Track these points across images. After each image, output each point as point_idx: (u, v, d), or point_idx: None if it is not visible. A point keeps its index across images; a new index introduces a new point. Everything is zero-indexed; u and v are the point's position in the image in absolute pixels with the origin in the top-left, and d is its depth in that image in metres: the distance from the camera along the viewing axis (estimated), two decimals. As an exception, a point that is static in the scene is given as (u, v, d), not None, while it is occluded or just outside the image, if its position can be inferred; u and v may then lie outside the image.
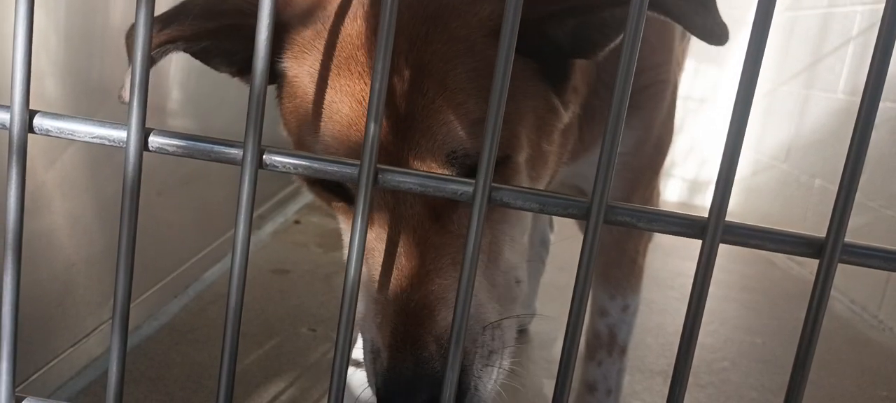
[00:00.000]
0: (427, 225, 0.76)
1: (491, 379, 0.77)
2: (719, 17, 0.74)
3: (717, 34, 0.73)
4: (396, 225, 0.76)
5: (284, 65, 0.85)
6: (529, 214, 0.90)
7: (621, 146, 1.17)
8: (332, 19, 0.81)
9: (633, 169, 1.23)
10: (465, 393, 0.73)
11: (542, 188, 0.90)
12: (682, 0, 0.72)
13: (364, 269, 0.78)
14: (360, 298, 0.78)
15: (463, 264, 0.50)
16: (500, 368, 0.78)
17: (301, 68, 0.82)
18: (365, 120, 0.74)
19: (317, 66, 0.80)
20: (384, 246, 0.76)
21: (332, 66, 0.79)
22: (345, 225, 0.90)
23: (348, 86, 0.77)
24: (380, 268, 0.76)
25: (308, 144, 0.81)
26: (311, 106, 0.80)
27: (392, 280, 0.75)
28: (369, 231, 0.78)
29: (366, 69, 0.76)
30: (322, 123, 0.78)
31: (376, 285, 0.77)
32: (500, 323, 0.80)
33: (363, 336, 0.79)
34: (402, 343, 0.72)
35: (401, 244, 0.75)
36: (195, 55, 0.90)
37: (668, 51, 1.18)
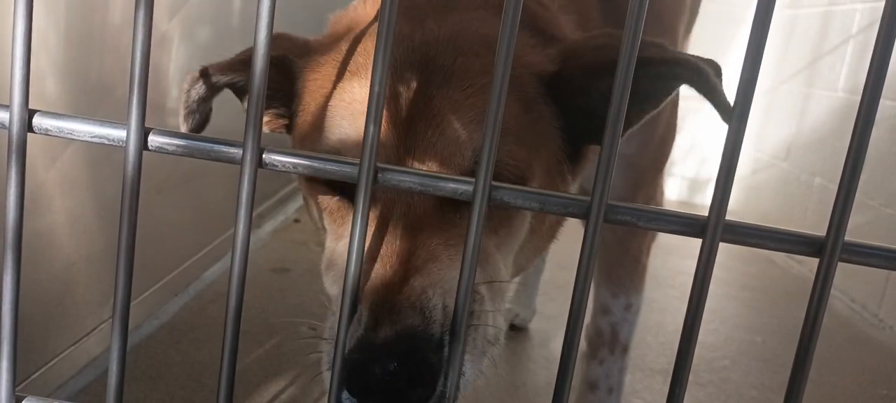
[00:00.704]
0: (428, 218, 0.76)
1: (470, 374, 0.76)
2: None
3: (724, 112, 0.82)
4: (396, 216, 0.75)
5: (306, 79, 0.89)
6: (523, 234, 0.90)
7: (625, 147, 1.18)
8: (351, 39, 0.86)
9: (637, 168, 1.23)
10: (435, 381, 0.70)
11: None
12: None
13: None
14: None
15: (463, 259, 0.50)
16: (479, 363, 0.76)
17: (322, 77, 0.86)
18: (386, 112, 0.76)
19: (333, 75, 0.84)
20: (382, 227, 0.76)
21: (350, 74, 0.82)
22: (330, 221, 0.89)
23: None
24: (372, 248, 0.75)
25: (324, 143, 0.82)
26: (326, 113, 0.82)
27: (384, 255, 0.73)
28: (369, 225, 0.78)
29: (394, 66, 0.79)
30: (339, 126, 0.80)
31: (368, 262, 0.75)
32: (492, 316, 0.79)
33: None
34: (383, 305, 0.68)
35: (400, 229, 0.75)
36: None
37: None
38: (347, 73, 0.82)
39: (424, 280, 0.70)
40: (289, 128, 0.98)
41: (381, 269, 0.72)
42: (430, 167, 0.76)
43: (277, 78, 0.92)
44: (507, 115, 0.78)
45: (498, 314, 0.80)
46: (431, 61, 0.79)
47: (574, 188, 0.95)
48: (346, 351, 0.65)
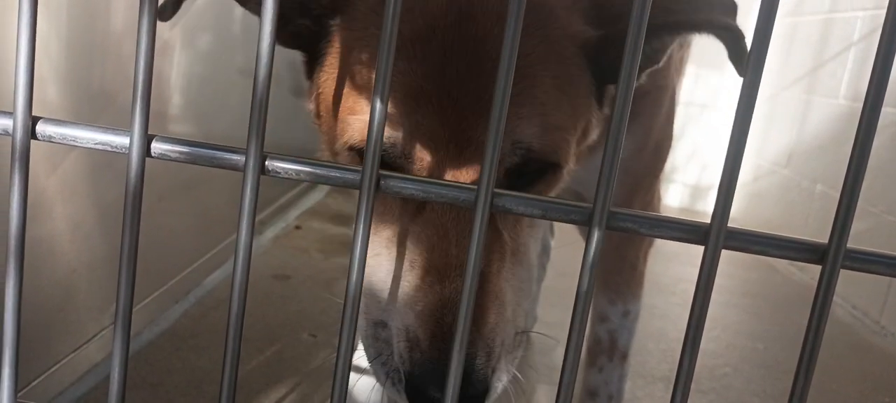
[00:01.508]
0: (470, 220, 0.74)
1: (500, 380, 0.77)
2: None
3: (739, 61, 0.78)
4: (450, 216, 0.73)
5: (335, 28, 0.84)
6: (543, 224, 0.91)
7: (622, 151, 1.17)
8: None
9: (633, 174, 1.23)
10: (486, 394, 0.72)
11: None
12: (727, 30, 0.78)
13: (404, 259, 0.76)
14: (389, 280, 0.76)
15: (466, 270, 0.50)
16: (510, 368, 0.77)
17: (357, 33, 0.81)
18: (436, 97, 0.73)
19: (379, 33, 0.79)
20: (432, 233, 0.73)
21: (406, 39, 0.75)
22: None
23: (423, 62, 0.74)
24: (424, 255, 0.73)
25: (358, 110, 0.79)
26: (371, 73, 0.77)
27: (440, 270, 0.71)
28: (417, 217, 0.76)
29: (439, 51, 0.74)
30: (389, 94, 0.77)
31: (419, 271, 0.73)
32: (527, 333, 0.81)
33: (393, 319, 0.75)
34: (447, 338, 0.68)
35: (452, 235, 0.73)
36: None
37: (667, 60, 1.19)
38: (404, 44, 0.75)
39: (491, 318, 0.72)
40: (310, 69, 0.93)
41: (440, 287, 0.71)
42: (477, 164, 0.74)
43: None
44: (545, 99, 0.76)
45: (521, 312, 0.80)
46: (480, 43, 0.74)
47: (595, 135, 0.91)
48: (408, 373, 0.69)
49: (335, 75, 0.84)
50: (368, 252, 0.58)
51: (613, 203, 0.49)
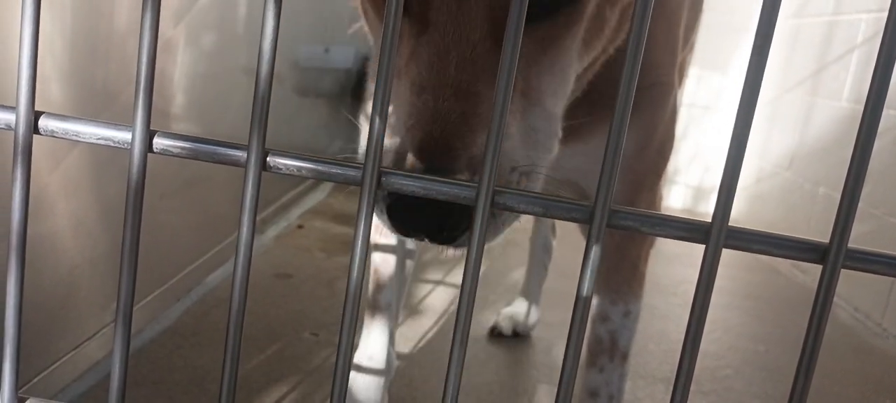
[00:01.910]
0: (487, 45, 0.71)
1: (501, 223, 0.73)
2: None
3: None
4: (452, 37, 0.70)
5: None
6: (574, 72, 0.84)
7: (626, 144, 1.15)
8: None
9: (636, 172, 1.22)
10: (465, 229, 0.68)
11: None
12: None
13: (404, 79, 0.74)
14: (400, 103, 0.73)
15: (466, 267, 0.50)
16: (515, 218, 0.73)
17: None
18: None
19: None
20: (434, 53, 0.71)
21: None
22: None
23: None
24: (424, 75, 0.71)
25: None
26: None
27: (436, 87, 0.69)
28: (422, 35, 0.73)
29: None
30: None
31: (417, 90, 0.71)
32: (528, 171, 0.75)
33: (389, 140, 0.72)
34: (433, 150, 0.66)
35: (453, 56, 0.70)
36: None
37: (671, 53, 1.18)
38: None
39: (480, 137, 0.68)
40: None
41: (438, 108, 0.69)
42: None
43: None
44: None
45: (538, 171, 0.77)
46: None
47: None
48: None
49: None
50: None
51: (618, 202, 0.49)
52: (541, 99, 0.78)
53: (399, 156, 0.69)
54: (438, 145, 0.67)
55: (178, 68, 1.78)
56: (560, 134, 0.83)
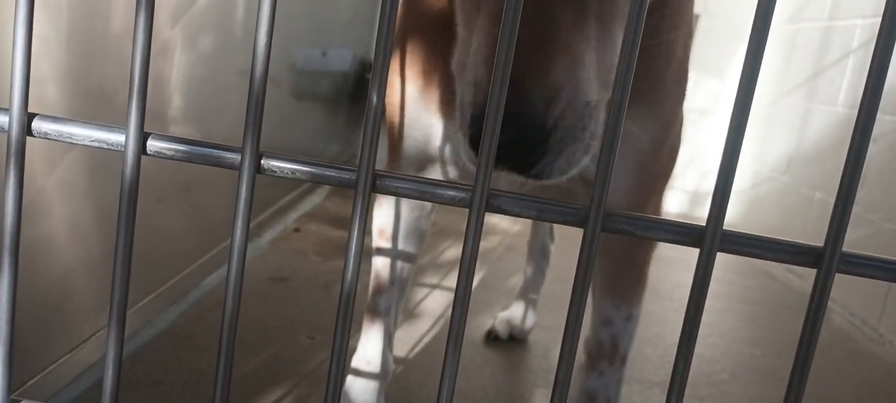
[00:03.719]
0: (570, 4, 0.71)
1: (570, 157, 0.72)
2: None
3: None
4: None
5: None
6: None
7: (639, 141, 1.12)
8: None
9: (651, 173, 1.18)
10: (542, 157, 0.68)
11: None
12: None
13: (483, 9, 0.73)
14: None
15: (460, 270, 0.50)
16: (584, 151, 0.72)
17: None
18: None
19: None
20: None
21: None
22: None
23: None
24: (506, 24, 0.71)
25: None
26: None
27: (519, 33, 0.71)
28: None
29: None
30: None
31: (496, 31, 0.72)
32: (598, 105, 0.74)
33: (464, 76, 0.73)
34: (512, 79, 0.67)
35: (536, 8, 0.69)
36: None
37: (688, 49, 1.16)
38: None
39: (559, 75, 0.68)
40: None
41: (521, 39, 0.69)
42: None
43: None
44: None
45: (602, 106, 0.76)
46: None
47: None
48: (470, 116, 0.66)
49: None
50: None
51: (631, 203, 0.49)
52: (613, 27, 0.76)
53: (476, 87, 0.69)
54: (523, 78, 0.65)
55: (175, 71, 1.77)
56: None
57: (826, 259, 0.49)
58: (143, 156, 0.54)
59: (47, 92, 1.27)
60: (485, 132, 0.48)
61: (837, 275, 0.50)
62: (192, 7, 1.78)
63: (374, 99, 0.49)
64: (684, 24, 1.11)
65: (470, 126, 0.69)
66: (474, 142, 0.66)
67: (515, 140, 0.65)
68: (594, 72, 0.73)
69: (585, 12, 0.72)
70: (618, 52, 0.75)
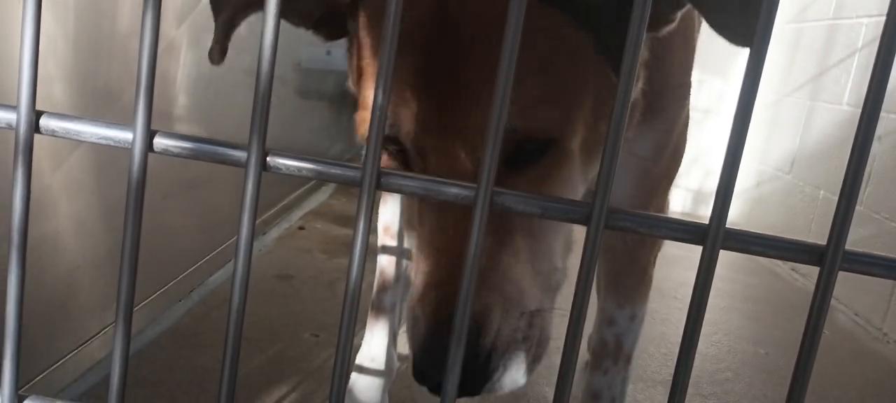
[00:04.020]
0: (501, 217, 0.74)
1: (518, 367, 0.76)
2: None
3: (746, 35, 0.65)
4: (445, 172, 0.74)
5: (358, 23, 0.86)
6: (579, 187, 0.86)
7: (641, 149, 1.15)
8: None
9: (653, 177, 1.20)
10: (490, 377, 0.72)
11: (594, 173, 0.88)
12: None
13: (422, 227, 0.78)
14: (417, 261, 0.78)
15: (463, 268, 0.51)
16: (532, 358, 0.77)
17: (370, 30, 0.83)
18: (419, 89, 0.74)
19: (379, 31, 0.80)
20: (437, 213, 0.75)
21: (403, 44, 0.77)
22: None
23: (410, 57, 0.75)
24: (433, 234, 0.75)
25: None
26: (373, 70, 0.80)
27: (441, 251, 0.74)
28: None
29: (423, 42, 0.75)
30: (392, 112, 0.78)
31: (427, 250, 0.76)
32: (540, 313, 0.78)
33: (409, 298, 0.79)
34: (438, 317, 0.70)
35: (449, 213, 0.73)
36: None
37: (692, 53, 1.16)
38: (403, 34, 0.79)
39: (487, 298, 0.72)
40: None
41: (442, 262, 0.73)
42: (470, 147, 0.74)
43: None
44: (523, 73, 0.73)
45: (548, 314, 0.80)
46: (457, 33, 0.75)
47: (634, 92, 0.87)
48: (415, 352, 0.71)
49: (355, 67, 0.86)
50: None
51: (631, 205, 0.49)
52: (544, 237, 0.80)
53: (415, 321, 0.75)
54: (442, 316, 0.71)
55: (181, 69, 1.78)
56: (565, 265, 0.86)
57: (829, 256, 0.49)
58: (149, 154, 0.54)
59: (54, 91, 1.28)
60: (487, 139, 0.48)
61: (841, 274, 0.50)
62: (198, 6, 1.78)
63: (380, 97, 0.50)
64: (683, 33, 1.12)
65: (415, 364, 0.73)
66: (421, 378, 0.70)
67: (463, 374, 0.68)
68: (529, 281, 0.77)
69: (508, 230, 0.76)
70: (552, 251, 0.82)
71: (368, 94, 0.81)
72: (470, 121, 0.73)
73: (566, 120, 0.76)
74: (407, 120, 0.76)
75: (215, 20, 0.86)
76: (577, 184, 0.84)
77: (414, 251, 0.82)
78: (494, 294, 0.73)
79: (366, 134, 0.78)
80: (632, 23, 0.46)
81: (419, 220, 0.79)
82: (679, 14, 0.80)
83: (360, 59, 0.84)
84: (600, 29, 0.77)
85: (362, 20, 0.85)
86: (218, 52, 0.86)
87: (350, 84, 0.94)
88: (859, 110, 0.46)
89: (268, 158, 0.52)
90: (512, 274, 0.76)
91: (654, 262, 1.39)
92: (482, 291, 0.72)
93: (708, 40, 1.51)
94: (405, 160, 0.81)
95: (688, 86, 1.16)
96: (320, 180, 0.54)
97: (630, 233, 0.51)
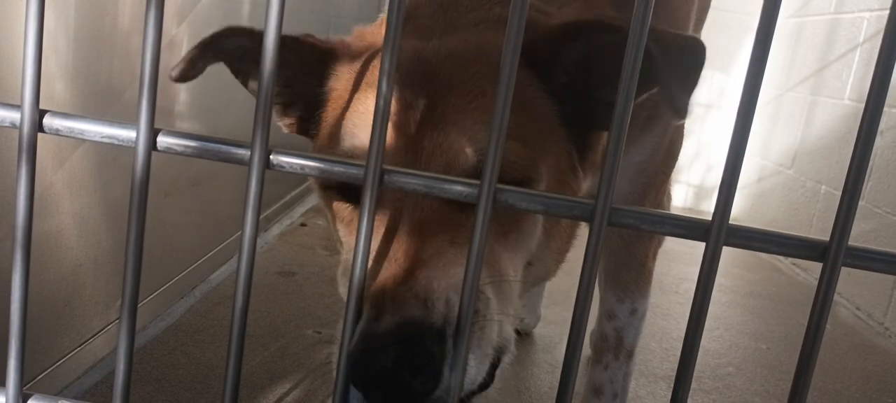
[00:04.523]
0: (434, 219, 0.77)
1: (474, 372, 0.77)
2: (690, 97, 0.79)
3: (682, 110, 0.78)
4: (403, 218, 0.77)
5: (328, 87, 0.94)
6: (535, 239, 0.91)
7: (640, 154, 1.18)
8: (369, 55, 0.91)
9: (647, 173, 1.24)
10: (438, 372, 0.71)
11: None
12: (672, 79, 0.77)
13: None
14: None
15: (468, 259, 0.51)
16: (483, 363, 0.76)
17: (342, 89, 0.91)
18: (394, 125, 0.80)
19: (351, 88, 0.89)
20: (390, 237, 0.77)
21: (365, 85, 0.87)
22: (344, 230, 0.92)
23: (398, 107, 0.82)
24: (377, 254, 0.77)
25: (338, 149, 0.87)
26: (343, 123, 0.87)
27: (389, 255, 0.76)
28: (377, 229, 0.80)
29: (400, 84, 0.83)
30: (352, 134, 0.85)
31: (371, 265, 0.78)
32: (491, 321, 0.79)
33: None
34: (385, 297, 0.69)
35: (406, 230, 0.76)
36: (235, 73, 0.99)
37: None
38: (363, 85, 0.87)
39: (428, 272, 0.71)
40: (309, 133, 1.02)
41: (386, 267, 0.74)
42: (437, 170, 0.78)
43: (304, 78, 0.96)
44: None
45: (506, 320, 0.80)
46: (435, 74, 0.83)
47: (587, 184, 0.95)
48: (350, 346, 0.67)
49: (321, 141, 0.94)
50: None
51: (627, 202, 0.49)
52: (504, 269, 0.83)
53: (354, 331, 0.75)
54: (389, 297, 0.70)
55: (182, 66, 1.78)
56: (521, 275, 0.90)
57: (832, 252, 0.49)
58: (152, 152, 0.54)
59: (56, 88, 1.28)
60: (491, 139, 0.48)
61: (843, 269, 0.50)
62: (199, 3, 1.78)
63: (382, 96, 0.50)
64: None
65: (350, 360, 0.70)
66: (357, 382, 0.66)
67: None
68: (491, 290, 0.78)
69: (463, 245, 0.77)
70: (513, 284, 0.84)
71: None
72: (443, 154, 0.78)
73: (536, 166, 0.82)
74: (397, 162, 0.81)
75: (198, 48, 0.89)
76: (539, 229, 0.89)
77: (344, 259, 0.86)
78: (437, 278, 0.73)
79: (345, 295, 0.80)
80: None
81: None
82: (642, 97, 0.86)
83: (335, 121, 0.89)
84: (569, 119, 0.89)
85: (336, 80, 0.94)
86: (181, 73, 0.88)
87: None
88: (861, 105, 0.46)
89: (271, 156, 0.52)
90: (455, 271, 0.77)
91: (654, 257, 1.39)
92: (421, 272, 0.73)
93: (709, 35, 1.51)
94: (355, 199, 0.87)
95: None
96: (324, 178, 0.54)
97: (632, 230, 0.51)
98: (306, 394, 1.59)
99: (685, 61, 0.77)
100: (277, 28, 0.49)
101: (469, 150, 0.78)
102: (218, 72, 0.97)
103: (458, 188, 0.52)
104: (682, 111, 0.77)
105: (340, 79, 0.93)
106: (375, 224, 0.79)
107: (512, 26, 0.46)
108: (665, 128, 1.21)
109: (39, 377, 1.36)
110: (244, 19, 2.13)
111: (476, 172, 0.78)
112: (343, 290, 0.94)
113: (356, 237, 0.53)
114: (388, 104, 0.49)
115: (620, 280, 1.36)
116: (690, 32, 1.30)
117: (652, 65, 0.78)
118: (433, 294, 0.68)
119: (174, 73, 0.87)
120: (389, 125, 0.78)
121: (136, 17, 1.47)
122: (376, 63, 0.88)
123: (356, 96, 0.87)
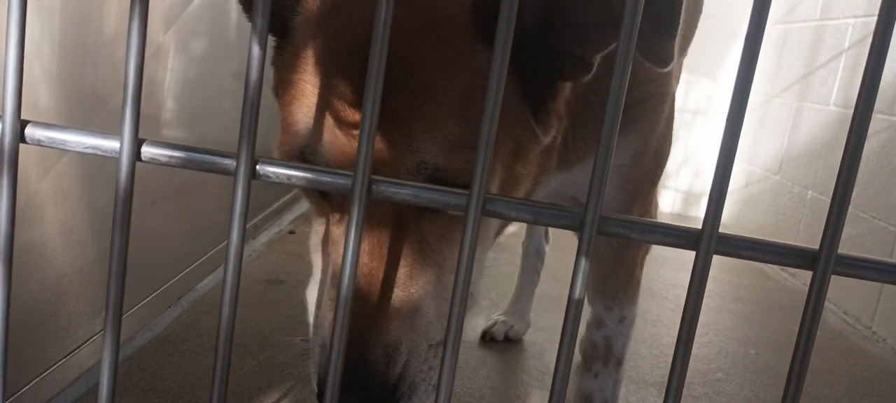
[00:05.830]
0: (392, 231, 0.76)
1: (423, 398, 0.78)
2: (671, 41, 0.70)
3: (663, 58, 0.71)
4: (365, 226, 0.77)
5: (295, 27, 0.85)
6: (491, 233, 0.91)
7: (619, 158, 1.18)
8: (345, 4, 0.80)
9: (632, 180, 1.23)
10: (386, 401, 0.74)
11: None
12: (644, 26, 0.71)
13: (329, 262, 0.81)
14: (321, 287, 0.82)
15: (457, 275, 0.50)
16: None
17: (306, 42, 0.81)
18: (351, 119, 0.75)
19: (319, 46, 0.79)
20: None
21: (332, 54, 0.77)
22: (318, 227, 0.90)
23: (343, 82, 0.76)
24: (337, 263, 0.78)
25: (295, 126, 0.80)
26: (306, 88, 0.79)
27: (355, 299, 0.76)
28: (337, 226, 0.81)
29: (359, 66, 0.73)
30: (311, 112, 0.78)
31: (332, 280, 0.79)
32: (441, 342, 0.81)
33: (315, 328, 0.82)
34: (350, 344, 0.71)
35: (365, 245, 0.75)
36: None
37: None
38: (323, 54, 0.78)
39: (398, 328, 0.74)
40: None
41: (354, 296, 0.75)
42: (397, 166, 0.75)
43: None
44: (445, 112, 0.74)
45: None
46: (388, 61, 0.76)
47: (549, 137, 0.88)
48: (315, 385, 0.73)
49: (285, 80, 0.85)
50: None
51: (613, 210, 0.49)
52: (451, 272, 0.82)
53: (322, 349, 0.80)
54: (356, 343, 0.72)
55: (169, 74, 1.77)
56: (476, 291, 0.90)
57: (822, 261, 0.49)
58: (136, 163, 0.53)
59: (39, 96, 1.27)
60: (480, 148, 0.48)
61: (832, 276, 0.50)
62: (185, 11, 1.77)
63: (370, 105, 0.49)
64: None
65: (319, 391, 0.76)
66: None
67: (364, 401, 0.72)
68: (436, 315, 0.79)
69: (420, 262, 0.78)
70: (447, 279, 0.82)
71: (293, 115, 0.80)
72: (387, 160, 0.73)
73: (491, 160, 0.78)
74: (331, 141, 0.76)
75: None
76: (489, 228, 0.88)
77: (324, 277, 0.84)
78: (406, 326, 0.76)
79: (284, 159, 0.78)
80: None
81: (334, 247, 0.80)
82: (606, 50, 0.80)
83: (290, 68, 0.82)
84: (523, 72, 0.80)
85: (301, 20, 0.84)
86: None
87: (271, 90, 0.91)
88: (846, 111, 0.46)
89: (257, 166, 0.52)
90: (424, 305, 0.78)
91: (642, 264, 1.39)
92: (393, 322, 0.75)
93: (696, 41, 1.51)
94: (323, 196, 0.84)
95: (662, 95, 1.18)
96: (311, 189, 0.54)
97: (621, 239, 0.50)
98: (295, 404, 1.58)
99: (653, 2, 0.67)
100: (263, 38, 0.49)
101: (410, 161, 0.74)
102: (205, 79, 0.96)
103: (447, 198, 0.51)
104: (664, 59, 0.69)
105: (308, 20, 0.84)
106: (341, 222, 0.79)
107: (497, 57, 0.46)
108: (649, 133, 1.20)
109: (24, 389, 1.34)
110: (231, 27, 2.12)
111: (423, 175, 0.76)
112: (311, 300, 0.94)
113: (344, 247, 0.52)
114: (375, 118, 0.49)
115: (609, 288, 1.36)
116: (681, 36, 1.29)
117: (613, 14, 0.73)
118: (397, 352, 0.73)
119: None
120: (333, 125, 0.75)
121: (121, 23, 1.46)
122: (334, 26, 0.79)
123: (324, 77, 0.78)
